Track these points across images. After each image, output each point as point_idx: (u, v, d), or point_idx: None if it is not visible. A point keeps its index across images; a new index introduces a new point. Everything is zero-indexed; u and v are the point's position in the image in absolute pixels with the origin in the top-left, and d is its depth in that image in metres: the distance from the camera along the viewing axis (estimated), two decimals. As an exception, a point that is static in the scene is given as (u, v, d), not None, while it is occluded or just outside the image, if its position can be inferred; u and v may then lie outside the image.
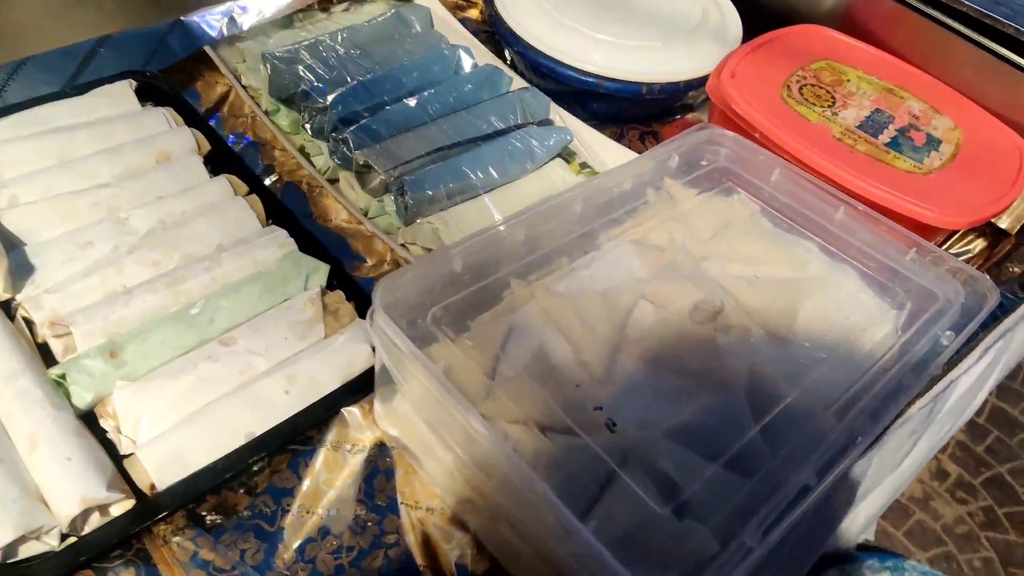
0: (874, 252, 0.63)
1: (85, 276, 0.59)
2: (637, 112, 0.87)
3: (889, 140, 0.76)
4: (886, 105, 0.80)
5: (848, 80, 0.82)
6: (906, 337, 0.57)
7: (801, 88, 0.80)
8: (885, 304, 0.62)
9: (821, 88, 0.80)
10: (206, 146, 0.71)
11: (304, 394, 0.56)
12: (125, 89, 0.73)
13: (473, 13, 0.96)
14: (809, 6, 0.93)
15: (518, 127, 0.74)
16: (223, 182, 0.67)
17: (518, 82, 0.79)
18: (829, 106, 0.78)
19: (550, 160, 0.73)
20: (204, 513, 0.52)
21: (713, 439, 0.48)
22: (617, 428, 0.48)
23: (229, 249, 0.63)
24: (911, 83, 0.82)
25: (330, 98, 0.71)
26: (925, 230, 0.70)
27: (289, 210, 0.68)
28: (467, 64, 0.79)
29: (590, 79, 0.80)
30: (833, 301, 0.62)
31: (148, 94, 0.74)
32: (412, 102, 0.73)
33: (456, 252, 0.52)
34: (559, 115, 0.82)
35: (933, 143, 0.76)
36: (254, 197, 0.67)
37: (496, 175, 0.69)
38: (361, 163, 0.67)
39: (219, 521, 0.52)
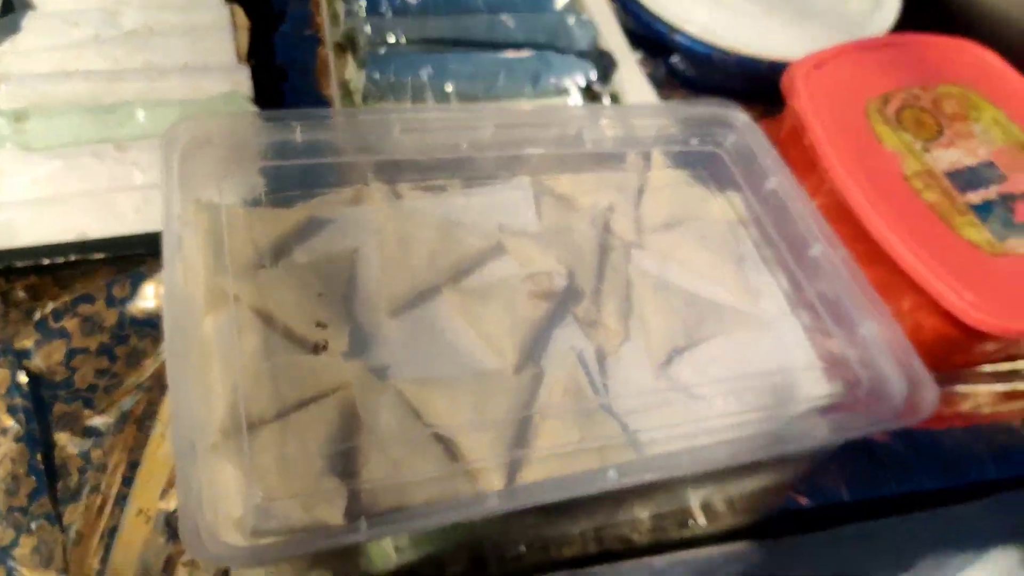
0: (828, 310, 0.49)
1: (50, 50, 0.62)
2: (719, 82, 0.74)
3: (979, 202, 0.58)
4: (1007, 161, 0.61)
5: (978, 118, 0.64)
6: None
7: (902, 108, 0.63)
8: (814, 374, 0.48)
9: (930, 116, 0.63)
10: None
11: (153, 220, 0.54)
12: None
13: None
14: (999, 16, 0.73)
15: (544, 46, 0.66)
16: (224, 10, 0.66)
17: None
18: (928, 139, 0.62)
19: (559, 95, 0.64)
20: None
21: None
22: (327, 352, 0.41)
23: (188, 70, 0.62)
24: (1067, 149, 0.63)
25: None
26: (947, 326, 0.53)
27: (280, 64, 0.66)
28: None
29: (660, 26, 0.69)
30: (755, 350, 0.49)
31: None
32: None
33: (297, 122, 0.46)
34: (623, 60, 0.72)
35: (1041, 225, 0.57)
36: (244, 33, 0.65)
37: (481, 87, 0.62)
38: (347, 28, 0.63)
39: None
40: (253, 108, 0.60)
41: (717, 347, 0.49)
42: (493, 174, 0.53)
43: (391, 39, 0.63)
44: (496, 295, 0.46)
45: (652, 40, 0.72)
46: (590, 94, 0.70)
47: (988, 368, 0.62)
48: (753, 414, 0.46)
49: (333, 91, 0.63)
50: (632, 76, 0.72)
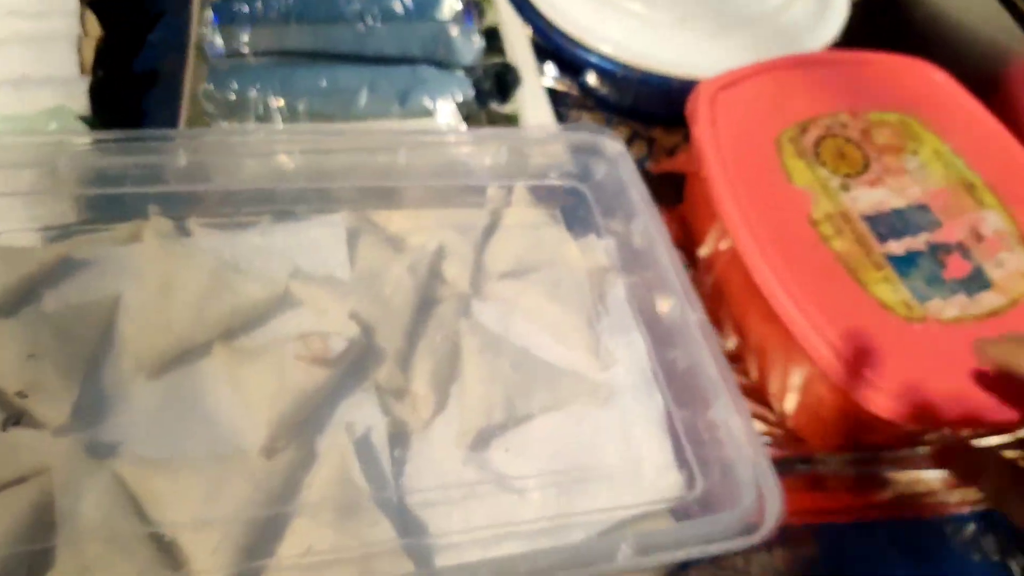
0: (679, 384, 0.40)
1: None
2: (636, 103, 0.66)
3: (902, 254, 0.49)
4: (943, 204, 0.52)
5: (915, 151, 0.55)
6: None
7: (823, 138, 0.55)
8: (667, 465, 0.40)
9: (856, 147, 0.54)
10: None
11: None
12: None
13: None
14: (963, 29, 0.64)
15: (419, 60, 0.58)
16: (73, 18, 0.60)
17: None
18: (850, 175, 0.53)
19: (430, 114, 0.57)
20: None
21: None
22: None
23: (24, 82, 0.56)
24: (1021, 190, 0.53)
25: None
26: (848, 403, 0.44)
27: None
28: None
29: (560, 39, 0.61)
30: (594, 429, 0.41)
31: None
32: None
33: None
34: (527, 76, 0.65)
35: (977, 283, 0.48)
36: (91, 43, 0.59)
37: (338, 105, 0.55)
38: (198, 37, 0.56)
39: None
40: (79, 125, 0.54)
41: (547, 424, 0.41)
42: (319, 207, 0.45)
43: (244, 49, 0.56)
44: (266, 357, 0.38)
45: (561, 55, 0.64)
46: (488, 114, 0.62)
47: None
48: (578, 516, 0.38)
49: (184, 108, 0.56)
50: (534, 95, 0.64)
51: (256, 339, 0.40)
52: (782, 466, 0.51)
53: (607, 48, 0.61)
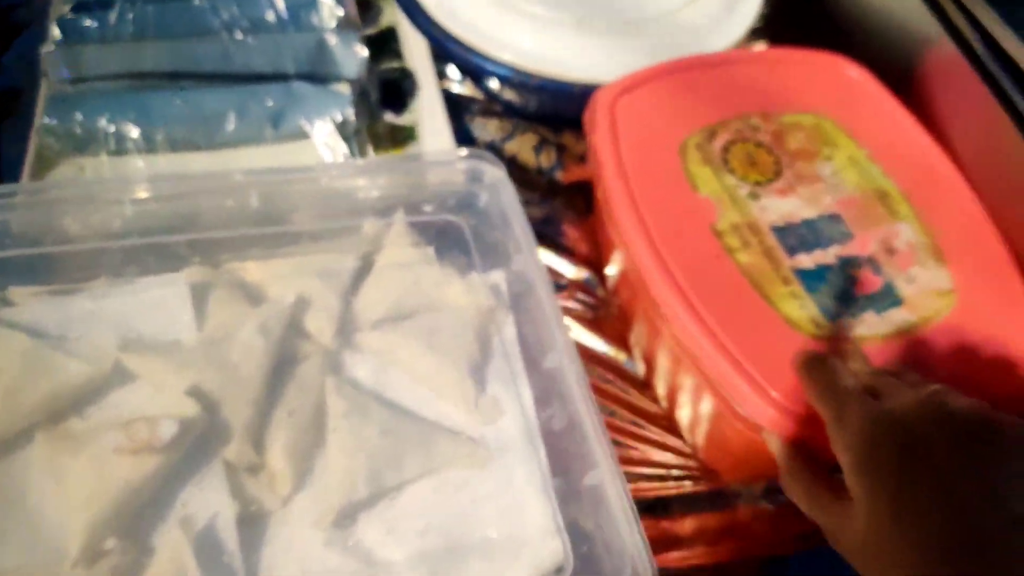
0: (556, 444, 0.37)
1: None
2: (543, 110, 0.61)
3: (811, 268, 0.45)
4: (856, 214, 0.48)
5: (830, 157, 0.51)
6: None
7: (732, 144, 0.51)
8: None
9: (769, 154, 0.51)
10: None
11: None
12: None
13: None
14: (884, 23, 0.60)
15: (296, 79, 0.53)
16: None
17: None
18: (760, 182, 0.49)
19: (304, 136, 0.52)
20: None
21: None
22: None
23: None
24: (938, 199, 0.49)
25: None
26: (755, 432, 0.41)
27: None
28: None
29: (449, 43, 0.57)
30: (472, 497, 0.37)
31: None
32: (197, 2, 0.55)
33: None
34: (425, 84, 0.60)
35: (887, 300, 0.45)
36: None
37: (203, 133, 0.50)
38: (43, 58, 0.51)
39: None
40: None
41: (420, 495, 0.37)
42: (163, 264, 0.41)
43: (93, 72, 0.51)
44: (88, 447, 0.34)
45: (460, 60, 0.59)
46: (383, 127, 0.57)
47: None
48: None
49: (31, 144, 0.51)
50: (432, 104, 0.59)
51: (89, 419, 0.36)
52: (696, 502, 0.48)
53: (505, 54, 0.56)
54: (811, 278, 0.45)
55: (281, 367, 0.39)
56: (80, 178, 0.45)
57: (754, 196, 0.48)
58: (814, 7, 0.65)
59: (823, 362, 0.35)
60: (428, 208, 0.43)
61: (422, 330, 0.41)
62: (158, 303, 0.39)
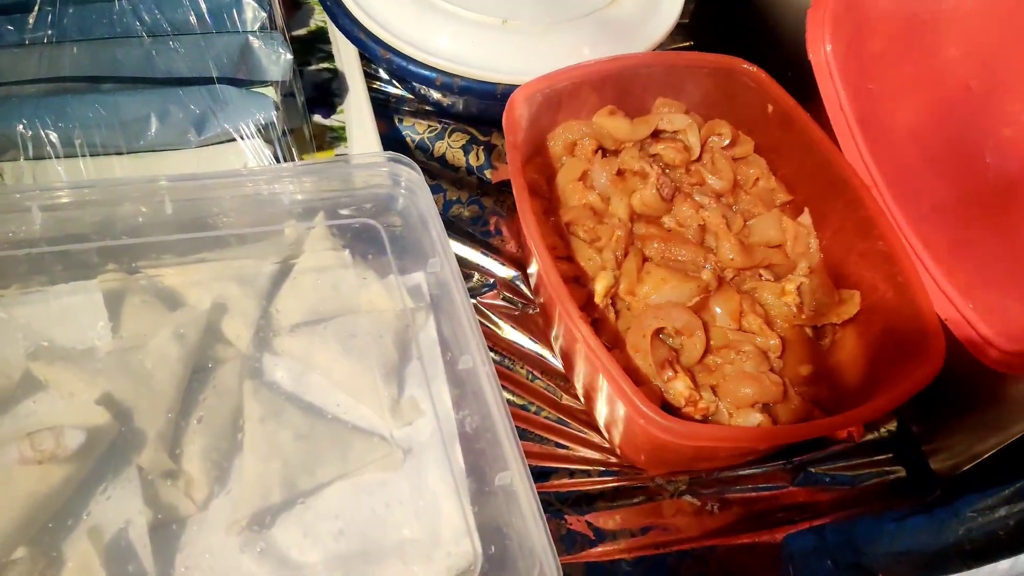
0: (471, 442, 0.38)
1: None
2: (478, 113, 0.62)
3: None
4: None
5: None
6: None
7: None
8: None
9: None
10: None
11: None
12: None
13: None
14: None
15: (220, 82, 0.53)
16: None
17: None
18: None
19: (229, 140, 0.52)
20: None
21: None
22: None
23: None
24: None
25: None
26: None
27: None
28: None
29: (369, 44, 0.57)
30: (386, 500, 0.38)
31: None
32: (116, 5, 0.54)
33: None
34: (353, 85, 0.60)
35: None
36: None
37: (123, 137, 0.50)
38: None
39: None
40: None
41: (335, 498, 0.37)
42: (76, 271, 0.41)
43: (10, 76, 0.50)
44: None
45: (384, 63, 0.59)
46: (311, 129, 0.57)
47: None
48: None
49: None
50: (359, 105, 0.60)
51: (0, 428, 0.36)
52: (619, 496, 0.49)
53: (430, 57, 0.56)
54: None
55: (198, 373, 0.39)
56: None
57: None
58: (738, 7, 0.67)
59: None
60: (346, 212, 0.43)
61: (340, 334, 0.41)
62: (71, 311, 0.39)
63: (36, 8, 0.53)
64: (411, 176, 0.43)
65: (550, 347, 0.54)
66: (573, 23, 0.58)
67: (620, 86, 0.55)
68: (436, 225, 0.42)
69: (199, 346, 0.39)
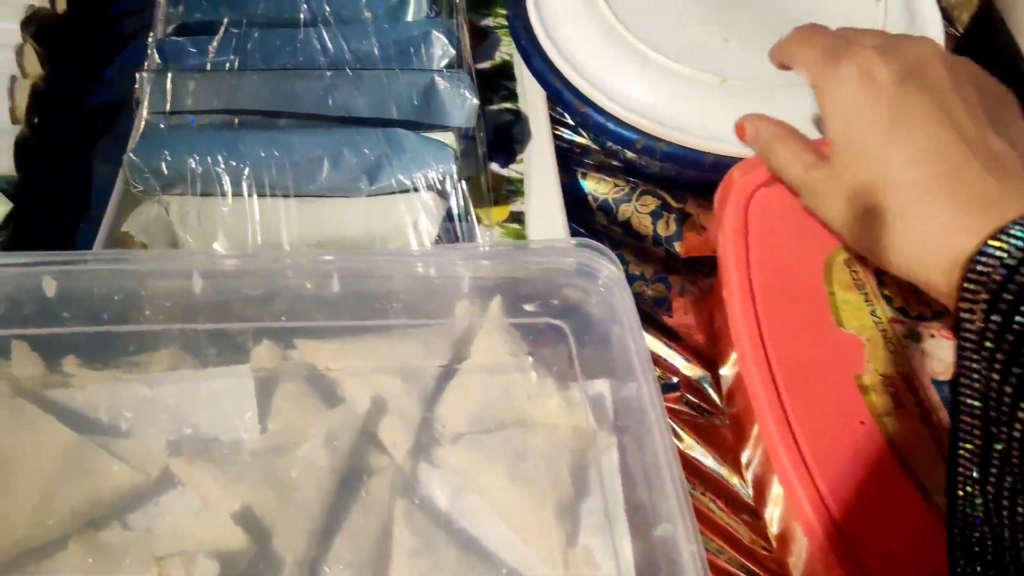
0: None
1: None
2: (663, 172, 0.55)
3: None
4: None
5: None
6: None
7: None
8: None
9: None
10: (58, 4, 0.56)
11: None
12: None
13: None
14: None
15: (399, 123, 0.48)
16: (8, 52, 0.52)
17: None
18: (924, 317, 0.41)
19: (401, 191, 0.47)
20: None
21: None
22: None
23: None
24: None
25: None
26: None
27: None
28: (413, 7, 0.53)
29: (566, 94, 0.51)
30: None
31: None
32: (301, 33, 0.51)
33: None
34: (537, 131, 0.55)
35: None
36: (25, 86, 0.51)
37: (291, 179, 0.46)
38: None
39: None
40: (0, 200, 0.46)
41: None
42: (229, 347, 0.37)
43: (187, 104, 0.47)
44: (129, 563, 0.30)
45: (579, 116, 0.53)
46: (486, 180, 0.52)
47: None
48: None
49: (120, 177, 0.47)
50: (542, 155, 0.53)
51: (129, 528, 0.32)
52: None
53: (632, 115, 0.49)
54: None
55: (346, 481, 0.34)
56: (152, 252, 0.41)
57: (914, 336, 0.40)
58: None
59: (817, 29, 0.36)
60: (529, 307, 0.37)
61: (508, 451, 0.36)
62: (219, 396, 0.34)
63: (222, 30, 0.50)
64: (611, 273, 0.36)
65: (739, 472, 0.46)
66: (806, 87, 0.50)
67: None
68: (635, 335, 0.36)
69: (351, 453, 0.34)
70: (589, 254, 0.38)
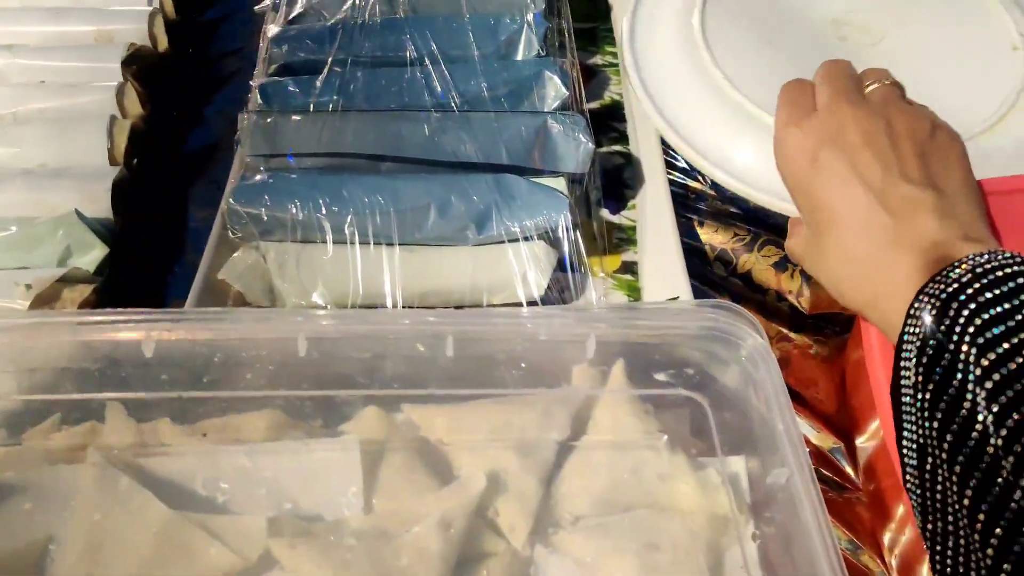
0: None
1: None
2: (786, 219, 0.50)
3: None
4: None
5: None
6: None
7: None
8: None
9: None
10: (160, 43, 0.55)
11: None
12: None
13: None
14: None
15: (509, 168, 0.46)
16: (108, 92, 0.51)
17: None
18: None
19: (510, 240, 0.44)
20: None
21: None
22: None
23: (41, 174, 0.48)
24: None
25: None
26: None
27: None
28: (523, 46, 0.50)
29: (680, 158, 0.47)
30: None
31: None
32: (407, 72, 0.49)
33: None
34: (646, 171, 0.51)
35: None
36: (124, 126, 0.50)
37: (397, 225, 0.43)
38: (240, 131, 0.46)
39: None
40: (96, 239, 0.45)
41: None
42: (334, 413, 0.34)
43: (286, 148, 0.45)
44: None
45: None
46: (590, 229, 0.48)
47: None
48: None
49: (218, 222, 0.46)
50: (657, 202, 0.50)
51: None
52: None
53: (741, 185, 0.45)
54: None
55: (459, 569, 0.30)
56: (255, 311, 0.38)
57: None
58: None
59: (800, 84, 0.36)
60: (661, 377, 0.33)
61: (637, 538, 0.32)
62: (322, 468, 0.31)
63: (326, 69, 0.48)
64: (754, 342, 0.32)
65: (880, 554, 0.41)
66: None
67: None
68: (785, 414, 0.31)
69: (465, 538, 0.30)
70: (727, 317, 0.34)
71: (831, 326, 0.49)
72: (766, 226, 0.51)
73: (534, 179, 0.45)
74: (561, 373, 0.35)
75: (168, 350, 0.31)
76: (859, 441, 0.43)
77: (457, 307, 0.42)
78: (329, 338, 0.32)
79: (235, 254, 0.43)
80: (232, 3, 0.61)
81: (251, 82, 0.48)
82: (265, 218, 0.42)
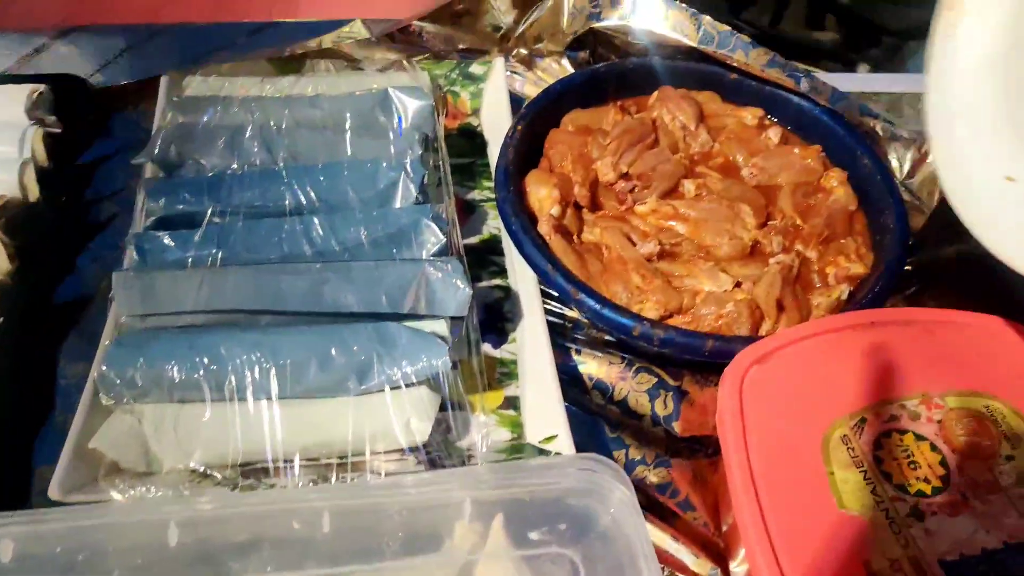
0: None
1: None
2: (659, 352, 0.53)
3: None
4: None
5: (1013, 455, 0.41)
6: None
7: (884, 436, 0.41)
8: None
9: (934, 450, 0.41)
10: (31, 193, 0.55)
11: None
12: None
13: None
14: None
15: (389, 316, 0.47)
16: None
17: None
18: (924, 494, 0.39)
19: (395, 387, 0.45)
20: None
21: None
22: None
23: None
24: None
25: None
26: None
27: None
28: (401, 193, 0.52)
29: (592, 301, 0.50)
30: None
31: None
32: (287, 223, 0.50)
33: None
34: (524, 306, 0.53)
35: None
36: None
37: (278, 382, 0.43)
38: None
39: None
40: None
41: None
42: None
43: (166, 305, 0.45)
44: None
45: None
46: (470, 366, 0.50)
47: None
48: None
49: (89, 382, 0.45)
50: (535, 335, 0.52)
51: None
52: None
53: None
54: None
55: None
56: (119, 505, 0.37)
57: (917, 515, 0.38)
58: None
59: None
60: (535, 536, 0.35)
61: None
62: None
63: (204, 222, 0.48)
64: (622, 496, 0.34)
65: None
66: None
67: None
68: (649, 561, 0.33)
69: None
70: (595, 468, 0.35)
71: (703, 448, 0.52)
72: (638, 354, 0.54)
73: (415, 323, 0.46)
74: (444, 532, 0.36)
75: (28, 552, 0.30)
76: (732, 567, 0.45)
77: (340, 459, 0.43)
78: (202, 523, 0.32)
79: (108, 419, 0.43)
80: (108, 145, 0.61)
81: (126, 238, 0.48)
82: (140, 382, 0.42)
